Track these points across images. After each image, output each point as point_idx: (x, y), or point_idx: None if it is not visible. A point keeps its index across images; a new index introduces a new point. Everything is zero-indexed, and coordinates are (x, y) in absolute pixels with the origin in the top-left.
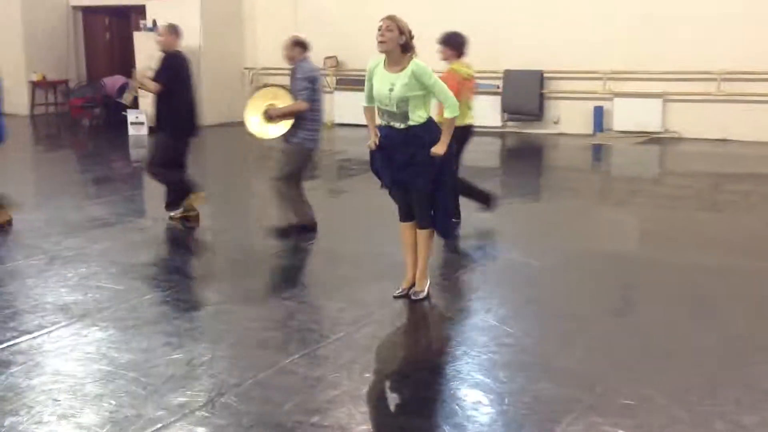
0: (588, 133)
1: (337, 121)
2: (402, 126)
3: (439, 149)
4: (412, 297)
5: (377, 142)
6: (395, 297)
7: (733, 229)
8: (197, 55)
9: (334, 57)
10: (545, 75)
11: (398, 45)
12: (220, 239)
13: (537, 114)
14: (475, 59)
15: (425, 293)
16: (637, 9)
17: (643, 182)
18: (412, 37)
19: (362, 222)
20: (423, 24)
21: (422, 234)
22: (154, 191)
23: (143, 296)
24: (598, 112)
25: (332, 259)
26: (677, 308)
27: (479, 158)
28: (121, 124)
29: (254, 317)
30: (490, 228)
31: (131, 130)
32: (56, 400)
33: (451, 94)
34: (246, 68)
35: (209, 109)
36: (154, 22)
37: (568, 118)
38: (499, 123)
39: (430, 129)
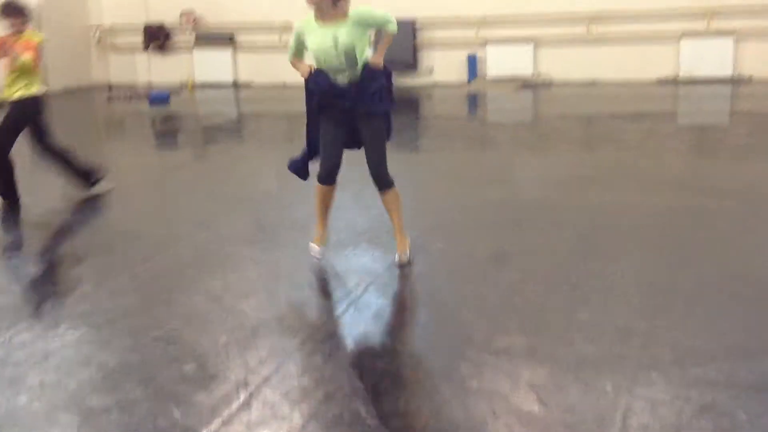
0: (463, 82)
1: (198, 80)
2: (348, 79)
3: (377, 60)
4: (401, 263)
5: (312, 71)
6: (318, 259)
7: (613, 166)
8: (36, 15)
9: (192, 12)
10: (418, 24)
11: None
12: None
13: (411, 64)
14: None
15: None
16: None
17: (518, 127)
18: None
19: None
20: None
21: (391, 194)
22: None
23: None
24: (472, 60)
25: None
26: (558, 248)
27: None
28: None
29: None
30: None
31: None
32: None
33: (388, 13)
34: (92, 26)
35: (54, 75)
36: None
37: (442, 67)
38: None
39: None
